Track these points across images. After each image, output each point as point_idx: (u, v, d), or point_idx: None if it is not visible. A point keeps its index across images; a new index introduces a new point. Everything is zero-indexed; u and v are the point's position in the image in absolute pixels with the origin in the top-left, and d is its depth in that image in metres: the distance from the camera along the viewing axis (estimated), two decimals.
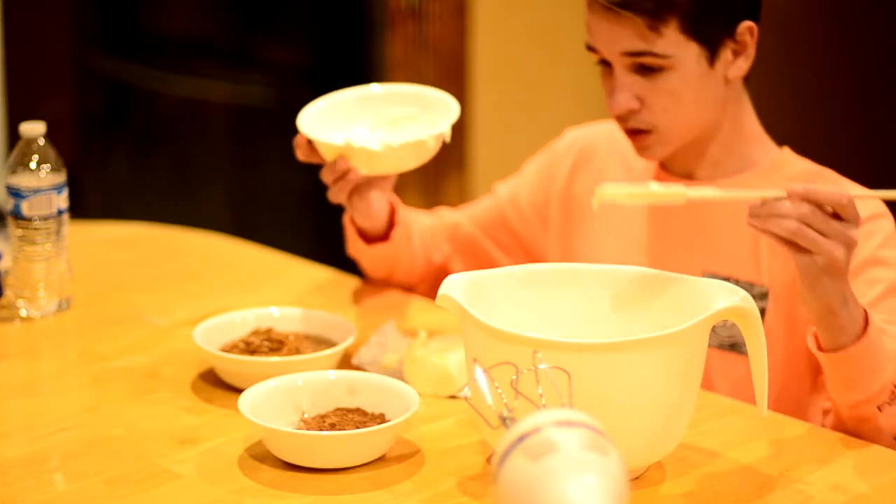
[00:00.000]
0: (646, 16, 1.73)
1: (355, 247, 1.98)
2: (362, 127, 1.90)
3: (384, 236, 1.95)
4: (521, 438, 1.13)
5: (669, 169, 1.89)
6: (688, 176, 1.87)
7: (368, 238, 1.96)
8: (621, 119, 1.81)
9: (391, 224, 1.95)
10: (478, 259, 2.04)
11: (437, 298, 1.46)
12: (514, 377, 1.31)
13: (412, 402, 1.52)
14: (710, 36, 1.76)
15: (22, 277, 1.90)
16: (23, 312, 1.90)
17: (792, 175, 1.82)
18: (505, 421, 1.22)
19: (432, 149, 1.81)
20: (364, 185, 1.88)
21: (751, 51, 1.79)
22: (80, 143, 3.92)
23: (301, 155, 1.85)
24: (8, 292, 1.92)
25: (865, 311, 1.55)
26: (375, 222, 1.93)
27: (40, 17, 3.90)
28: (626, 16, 1.74)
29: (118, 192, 3.88)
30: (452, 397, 1.66)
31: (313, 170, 1.88)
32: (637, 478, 1.45)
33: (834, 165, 1.83)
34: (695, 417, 1.49)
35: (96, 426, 1.60)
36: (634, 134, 1.81)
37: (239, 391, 1.56)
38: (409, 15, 3.15)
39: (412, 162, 1.81)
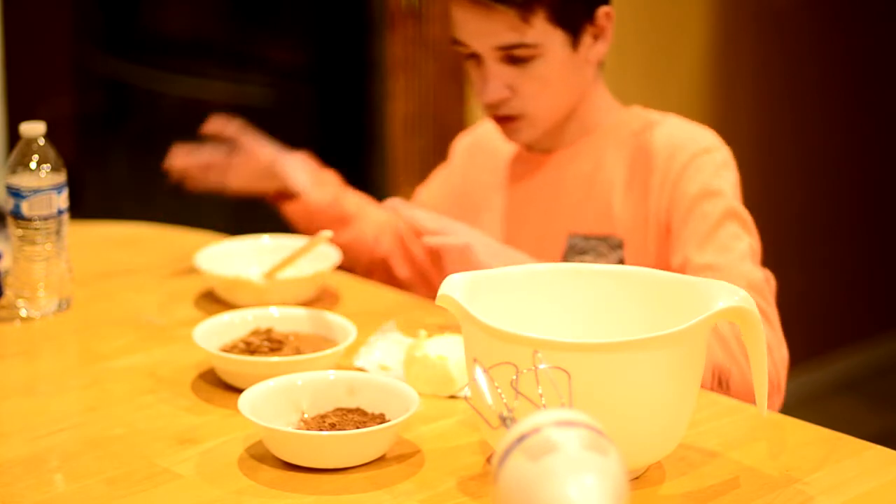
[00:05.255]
0: (517, 7, 1.82)
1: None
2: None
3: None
4: (521, 438, 1.13)
5: (531, 147, 1.99)
6: (545, 151, 1.97)
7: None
8: (492, 107, 1.90)
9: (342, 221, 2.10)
10: (409, 258, 2.12)
11: (437, 298, 1.46)
12: (514, 377, 1.31)
13: (412, 402, 1.52)
14: (574, 22, 1.86)
15: (22, 277, 1.90)
16: (23, 312, 1.90)
17: (634, 129, 1.93)
18: (505, 421, 1.22)
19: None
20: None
21: (608, 34, 1.91)
22: (80, 143, 3.91)
23: None
24: (8, 292, 1.92)
25: None
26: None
27: (40, 17, 3.90)
28: (499, 9, 1.82)
29: (118, 191, 3.87)
30: (452, 397, 1.66)
31: None
32: (637, 478, 1.45)
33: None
34: (695, 417, 1.49)
35: (96, 426, 1.60)
36: (504, 120, 1.91)
37: (239, 391, 1.56)
38: (409, 15, 3.15)
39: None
